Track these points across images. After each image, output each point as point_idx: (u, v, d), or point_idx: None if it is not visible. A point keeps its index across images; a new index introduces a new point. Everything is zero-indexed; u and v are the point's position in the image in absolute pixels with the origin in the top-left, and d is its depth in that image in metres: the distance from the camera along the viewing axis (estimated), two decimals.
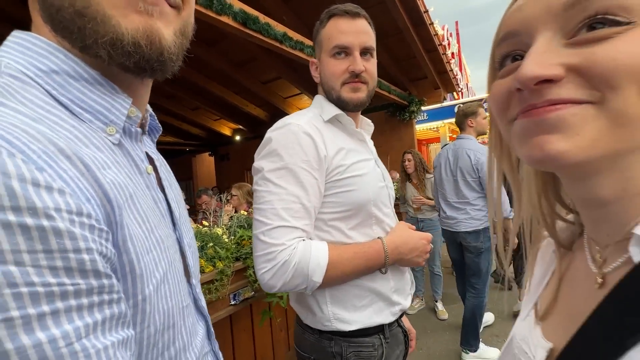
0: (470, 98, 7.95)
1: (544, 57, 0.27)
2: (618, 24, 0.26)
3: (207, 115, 7.72)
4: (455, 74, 5.83)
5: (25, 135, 0.26)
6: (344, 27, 0.82)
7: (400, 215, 2.07)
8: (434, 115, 7.62)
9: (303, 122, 0.80)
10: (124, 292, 0.32)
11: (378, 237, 0.84)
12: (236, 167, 8.50)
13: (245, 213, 2.77)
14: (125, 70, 0.35)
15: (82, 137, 0.33)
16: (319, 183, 0.78)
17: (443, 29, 7.74)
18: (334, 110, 0.86)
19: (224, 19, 2.06)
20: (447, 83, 5.38)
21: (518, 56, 0.31)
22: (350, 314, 0.80)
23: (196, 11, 1.93)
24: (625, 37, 0.25)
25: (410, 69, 4.96)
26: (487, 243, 2.24)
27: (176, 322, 0.39)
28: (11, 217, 0.23)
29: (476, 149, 2.24)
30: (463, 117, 2.32)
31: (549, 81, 0.27)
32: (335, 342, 0.81)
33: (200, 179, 10.14)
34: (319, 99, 0.92)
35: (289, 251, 0.73)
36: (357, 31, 0.83)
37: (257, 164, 0.81)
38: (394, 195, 1.00)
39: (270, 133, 0.82)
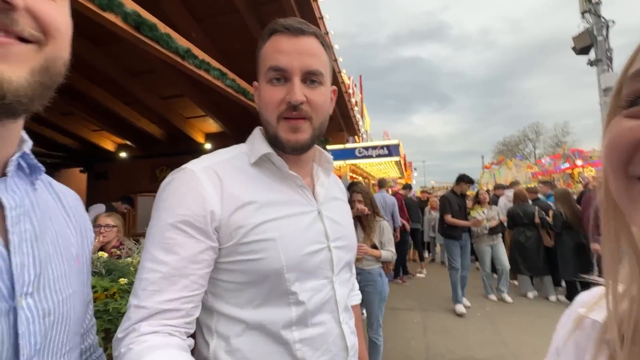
0: (370, 143, 8.86)
1: None
2: None
3: (84, 123, 6.43)
4: (357, 120, 6.42)
5: None
6: (283, 46, 0.66)
7: None
8: (337, 155, 8.09)
9: (201, 167, 0.65)
10: None
11: None
12: (116, 189, 7.13)
13: (117, 253, 2.21)
14: None
15: None
16: (199, 244, 0.61)
17: (349, 79, 8.58)
18: (262, 149, 0.69)
19: (110, 17, 1.71)
20: (350, 126, 5.84)
21: None
22: None
23: (75, 2, 1.49)
24: None
25: None
26: None
27: None
28: None
29: None
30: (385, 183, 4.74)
31: None
32: None
33: None
34: (255, 132, 0.75)
35: (123, 344, 0.55)
36: (299, 51, 0.66)
37: None
38: (347, 257, 0.78)
39: (165, 180, 0.66)
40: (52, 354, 0.43)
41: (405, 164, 15.66)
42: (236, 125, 5.76)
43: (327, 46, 0.71)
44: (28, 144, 0.46)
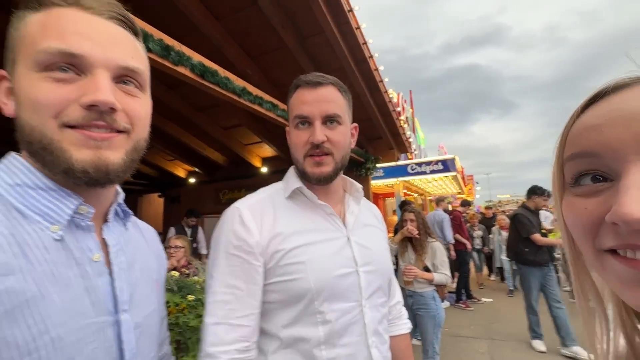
0: (423, 159, 8.53)
1: None
2: None
3: (161, 155, 7.37)
4: (409, 136, 6.30)
5: None
6: (305, 97, 0.80)
7: None
8: (390, 173, 8.01)
9: (246, 205, 0.78)
10: None
11: None
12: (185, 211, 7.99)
13: (186, 272, 2.48)
14: (79, 184, 0.46)
15: (18, 241, 0.41)
16: (254, 267, 0.72)
17: (398, 96, 8.49)
18: (295, 184, 0.82)
19: (181, 69, 2.04)
20: (400, 144, 5.75)
21: (600, 177, 0.29)
22: None
23: (152, 60, 1.85)
24: None
25: (367, 130, 5.26)
26: None
27: None
28: None
29: None
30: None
31: None
32: None
33: (145, 221, 9.32)
34: (290, 171, 0.88)
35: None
36: (318, 100, 0.78)
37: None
38: (378, 282, 0.83)
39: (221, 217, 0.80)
40: (142, 358, 0.55)
41: (464, 178, 14.67)
42: (288, 149, 6.07)
43: (344, 91, 0.84)
44: (121, 195, 0.60)
